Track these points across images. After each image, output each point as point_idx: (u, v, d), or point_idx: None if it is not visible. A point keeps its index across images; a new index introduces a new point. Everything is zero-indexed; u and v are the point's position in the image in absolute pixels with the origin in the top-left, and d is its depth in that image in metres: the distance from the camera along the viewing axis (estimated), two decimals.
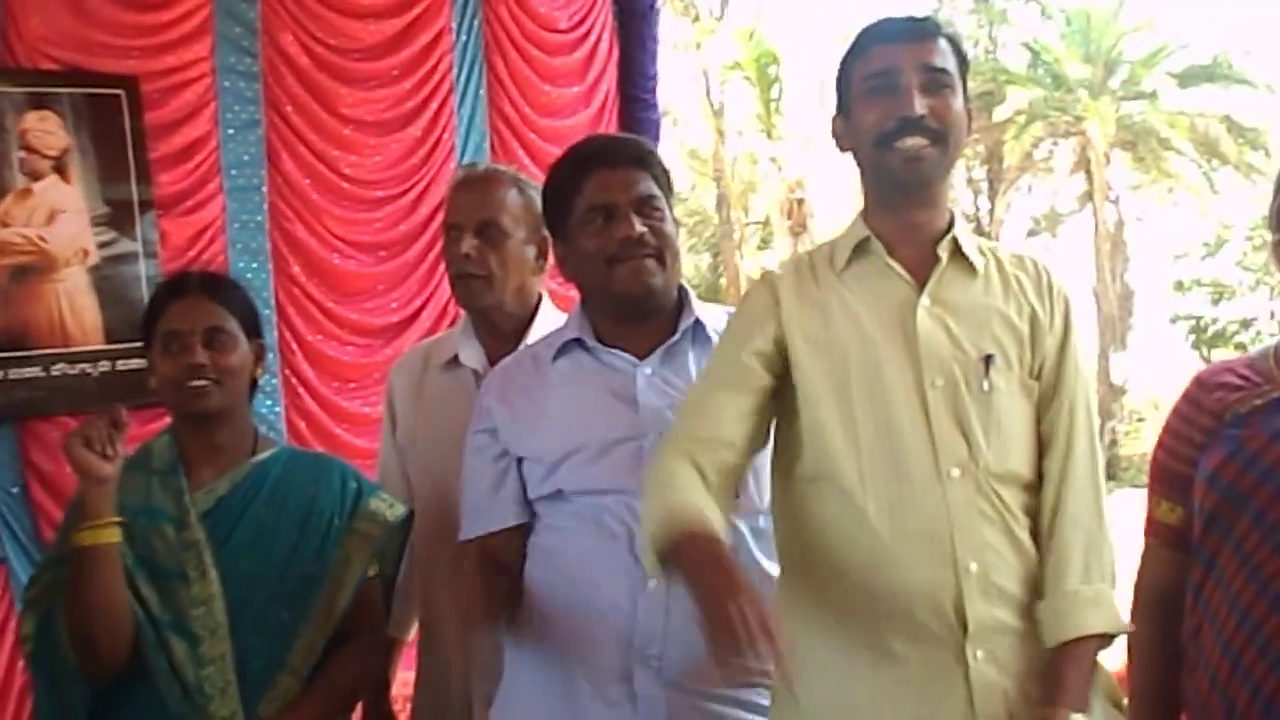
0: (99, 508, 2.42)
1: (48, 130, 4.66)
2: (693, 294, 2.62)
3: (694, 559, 1.95)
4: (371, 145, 5.28)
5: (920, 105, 2.16)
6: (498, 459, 2.57)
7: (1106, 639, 2.16)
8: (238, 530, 2.60)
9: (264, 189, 5.12)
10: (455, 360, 2.99)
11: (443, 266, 5.24)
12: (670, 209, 2.56)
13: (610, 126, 5.71)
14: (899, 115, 2.16)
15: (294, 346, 5.11)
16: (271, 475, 2.66)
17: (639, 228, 2.47)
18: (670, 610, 2.37)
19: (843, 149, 2.30)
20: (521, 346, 2.85)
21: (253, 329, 2.69)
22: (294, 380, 5.11)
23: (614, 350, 2.54)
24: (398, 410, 3.10)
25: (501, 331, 2.94)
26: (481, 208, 2.91)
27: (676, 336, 2.53)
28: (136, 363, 4.64)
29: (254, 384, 2.72)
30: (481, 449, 2.60)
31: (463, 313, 3.07)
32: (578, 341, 2.57)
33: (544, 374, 2.58)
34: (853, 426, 2.16)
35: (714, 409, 2.20)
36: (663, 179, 2.56)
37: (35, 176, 4.63)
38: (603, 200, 2.50)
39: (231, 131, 5.04)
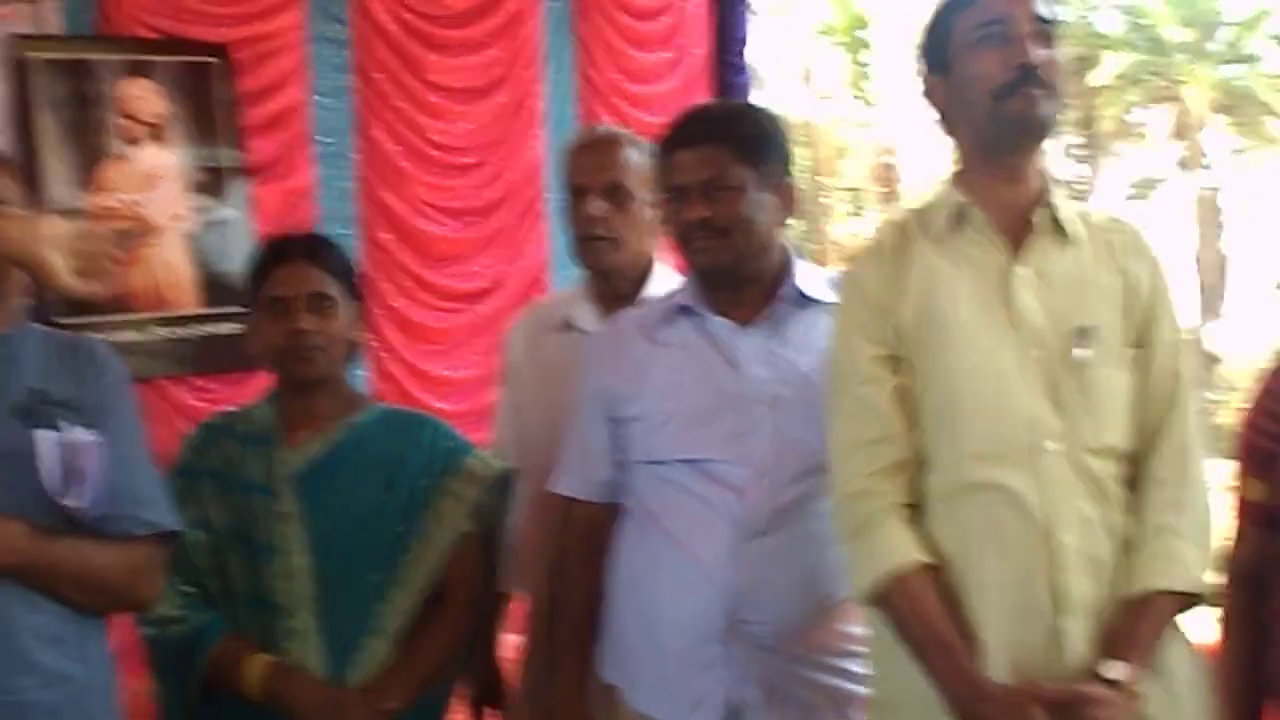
0: None
1: (145, 97, 4.77)
2: (797, 257, 2.61)
3: (903, 612, 2.10)
4: (459, 111, 5.36)
5: (1034, 55, 2.12)
6: (601, 419, 2.61)
7: (1183, 600, 2.13)
8: (328, 492, 2.61)
9: (353, 155, 5.22)
10: (568, 323, 3.01)
11: (525, 230, 5.47)
12: (763, 179, 2.52)
13: (700, 92, 5.73)
14: (1018, 64, 2.11)
15: (380, 311, 5.19)
16: (363, 435, 2.67)
17: (701, 212, 2.48)
18: (768, 575, 2.41)
19: (938, 107, 2.25)
20: (636, 307, 2.87)
21: (354, 292, 2.70)
22: (378, 344, 5.19)
23: (719, 317, 2.55)
24: (512, 371, 3.14)
25: (619, 293, 2.95)
26: (607, 169, 2.92)
27: (777, 303, 2.54)
28: (230, 327, 4.79)
29: (354, 348, 2.73)
30: (587, 408, 2.63)
31: (549, 277, 3.11)
32: (685, 307, 2.58)
33: (651, 338, 2.60)
34: (954, 401, 2.15)
35: (872, 421, 2.18)
36: (749, 150, 2.53)
37: (132, 143, 4.74)
38: (673, 182, 2.54)
39: (322, 98, 5.14)
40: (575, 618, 2.64)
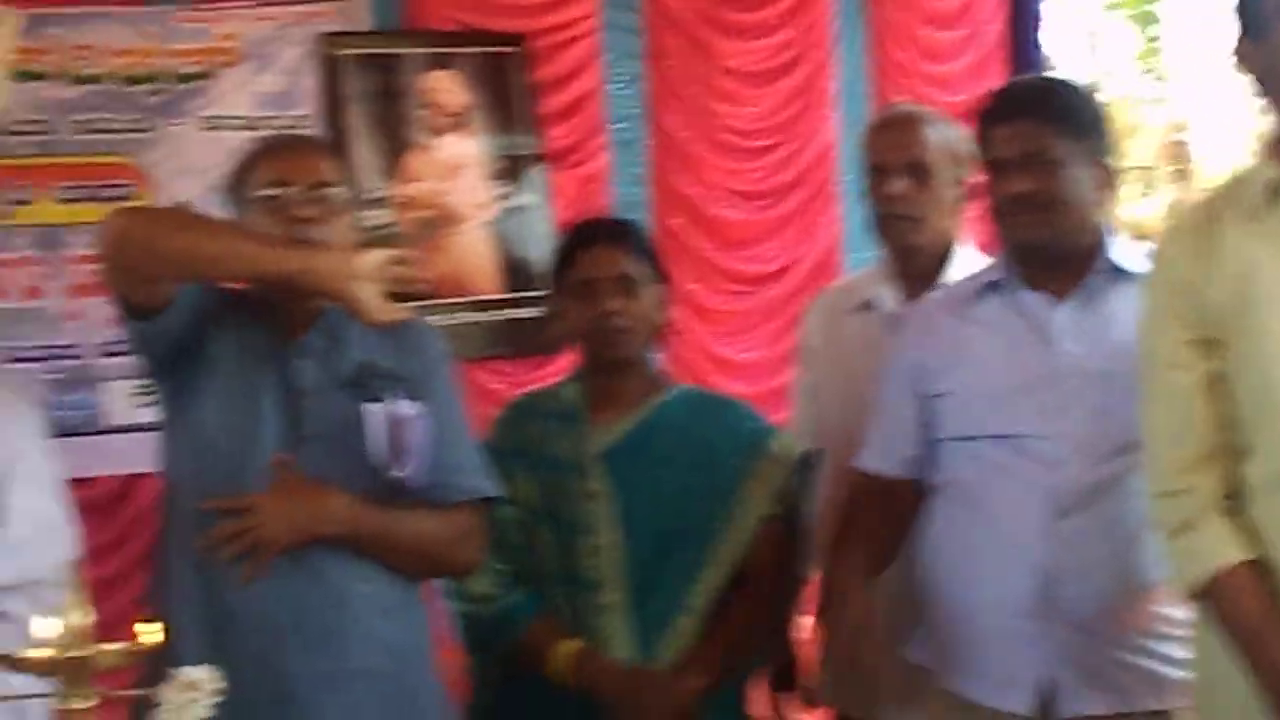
0: None
1: (448, 89, 4.89)
2: (1114, 233, 2.55)
3: (1224, 609, 2.05)
4: (751, 95, 5.35)
5: None
6: (909, 395, 2.59)
7: None
8: (636, 472, 2.64)
9: (646, 141, 5.27)
10: (867, 304, 3.00)
11: (817, 213, 5.43)
12: (1082, 155, 2.47)
13: (995, 70, 5.61)
14: None
15: (672, 295, 5.22)
16: (670, 416, 2.70)
17: (1020, 186, 2.43)
18: (1081, 553, 2.38)
19: (1253, 74, 2.13)
20: (938, 286, 2.85)
21: (657, 275, 2.73)
22: (671, 328, 5.20)
23: (1034, 292, 2.51)
24: (809, 353, 3.14)
25: (920, 273, 2.93)
26: (908, 147, 2.91)
27: (1091, 276, 2.48)
28: (530, 311, 4.90)
29: (658, 329, 2.76)
30: (896, 383, 2.62)
31: (841, 259, 3.10)
32: (996, 283, 2.55)
33: (965, 314, 2.57)
34: (1273, 386, 2.04)
35: (1183, 408, 2.12)
36: (1068, 125, 2.47)
37: (436, 133, 4.88)
38: (991, 156, 2.51)
39: (615, 85, 5.20)
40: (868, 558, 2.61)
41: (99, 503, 4.09)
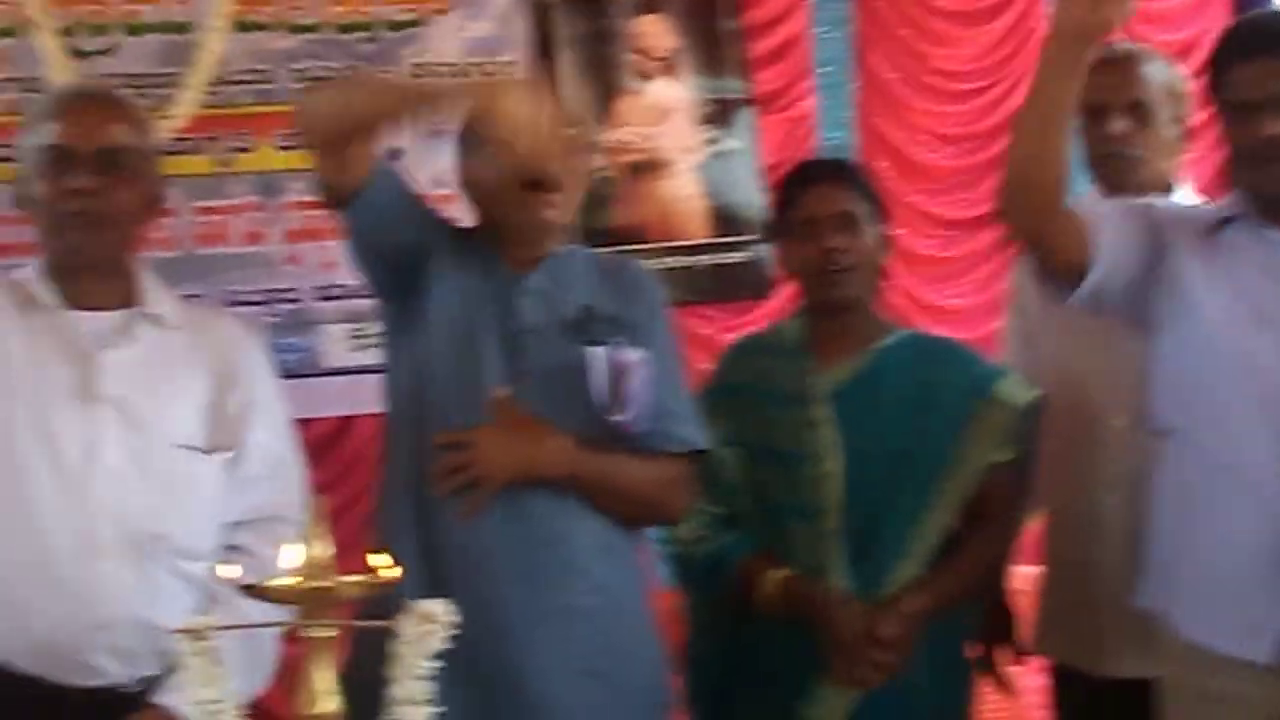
0: None
1: (656, 33, 4.90)
2: None
3: None
4: (961, 37, 5.26)
5: None
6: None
7: None
8: (862, 414, 2.62)
9: (853, 85, 5.21)
10: None
11: None
12: None
13: (1217, 8, 5.42)
14: None
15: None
16: (896, 359, 2.67)
17: (1272, 129, 2.30)
18: None
19: None
20: None
21: (881, 215, 2.70)
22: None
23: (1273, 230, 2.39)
24: (1023, 297, 3.07)
25: None
26: (1128, 87, 2.83)
27: None
28: (738, 255, 4.90)
29: (880, 271, 2.73)
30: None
31: None
32: (1232, 219, 2.43)
33: (1190, 251, 2.44)
34: None
35: None
36: None
37: (646, 77, 4.90)
38: (1233, 97, 2.37)
39: (822, 29, 5.15)
40: None
41: (315, 444, 4.17)
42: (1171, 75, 2.88)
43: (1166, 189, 2.87)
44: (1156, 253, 2.43)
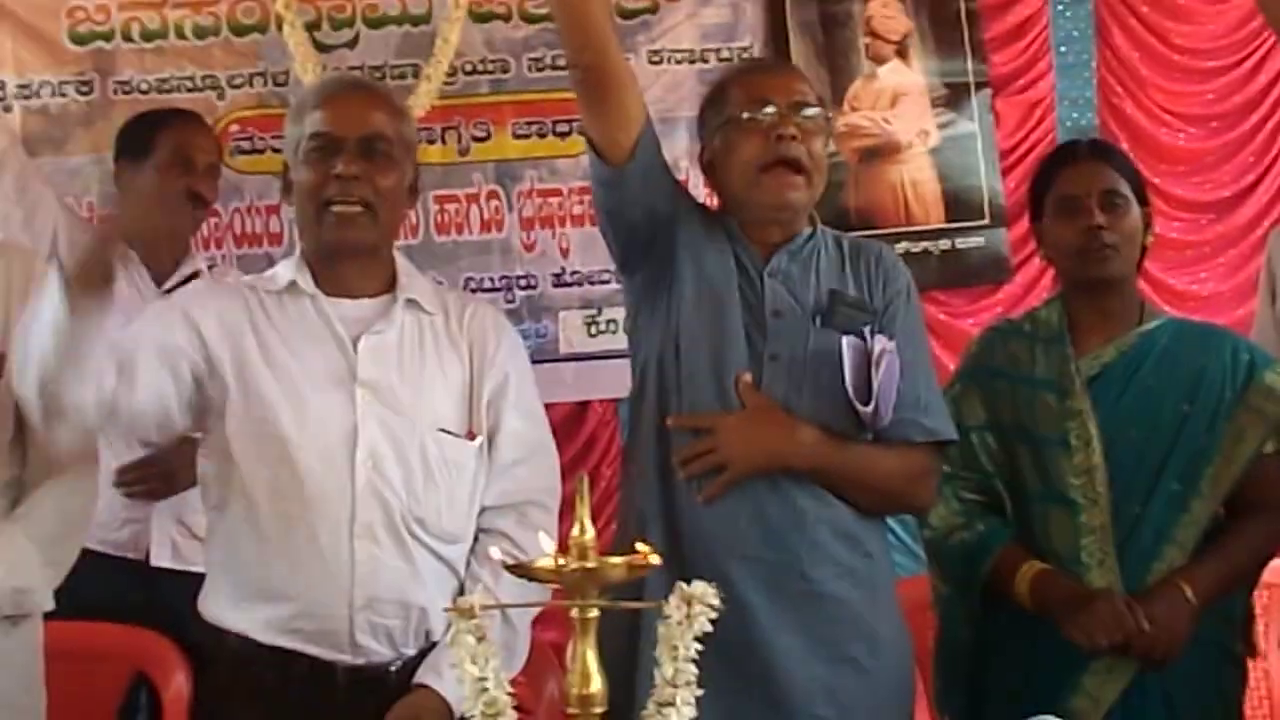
0: None
1: (890, 15, 4.87)
2: None
3: None
4: (1205, 13, 5.12)
5: None
6: None
7: None
8: (1124, 399, 2.58)
9: (1093, 64, 5.11)
10: None
11: (1273, 136, 5.16)
12: None
13: None
14: None
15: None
16: (1159, 344, 2.62)
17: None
18: None
19: None
20: None
21: (1141, 195, 2.66)
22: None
23: None
24: (1275, 283, 3.01)
25: None
26: None
27: None
28: (974, 241, 4.85)
29: (1144, 251, 2.69)
30: None
31: None
32: None
33: None
34: None
35: None
36: None
37: (879, 61, 4.87)
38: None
39: (1061, 8, 5.08)
40: None
41: (553, 428, 4.30)
42: None
43: None
44: None
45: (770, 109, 2.40)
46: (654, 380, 2.46)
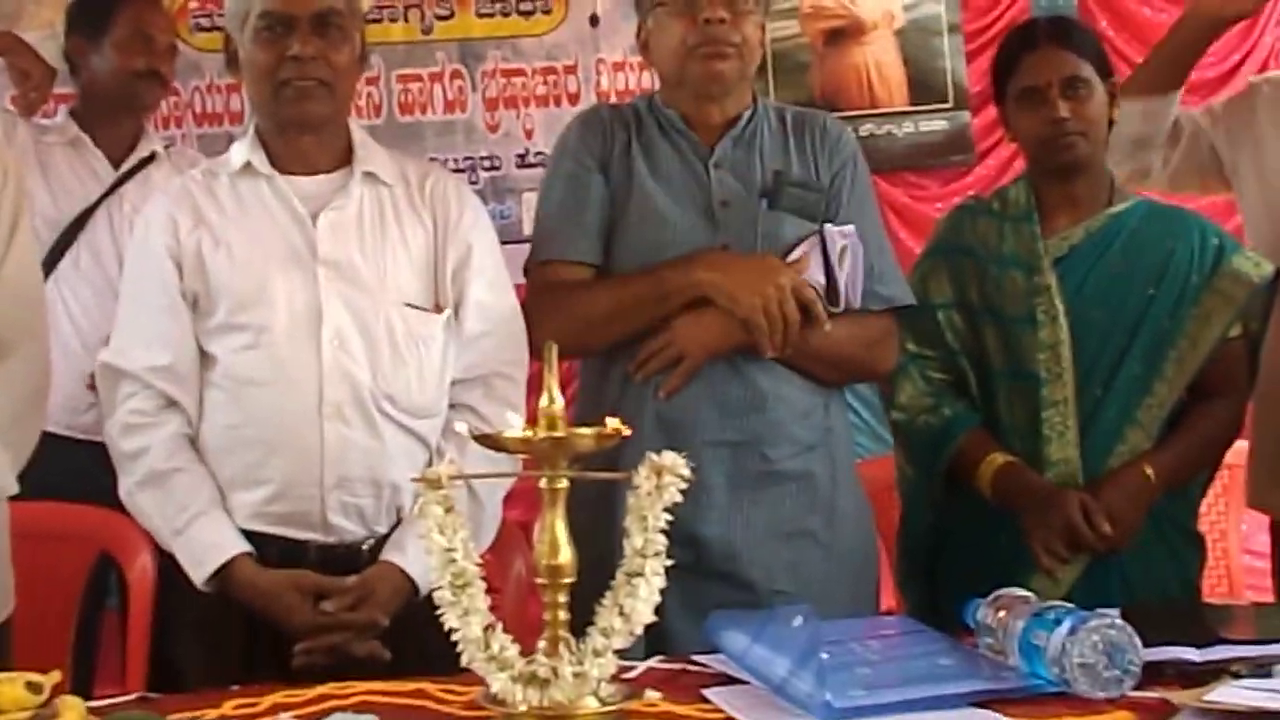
0: None
1: None
2: None
3: None
4: None
5: None
6: None
7: None
8: (1090, 279, 2.58)
9: None
10: None
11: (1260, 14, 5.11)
12: None
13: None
14: None
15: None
16: (1127, 226, 2.60)
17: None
18: None
19: None
20: None
21: (1104, 70, 2.62)
22: None
23: None
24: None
25: None
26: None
27: None
28: (940, 124, 4.87)
29: (1110, 128, 2.66)
30: None
31: None
32: None
33: None
34: None
35: None
36: None
37: None
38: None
39: None
40: None
41: None
42: None
43: None
44: None
45: None
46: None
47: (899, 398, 2.67)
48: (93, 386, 3.00)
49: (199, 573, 2.29)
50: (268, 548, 2.32)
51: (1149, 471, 2.51)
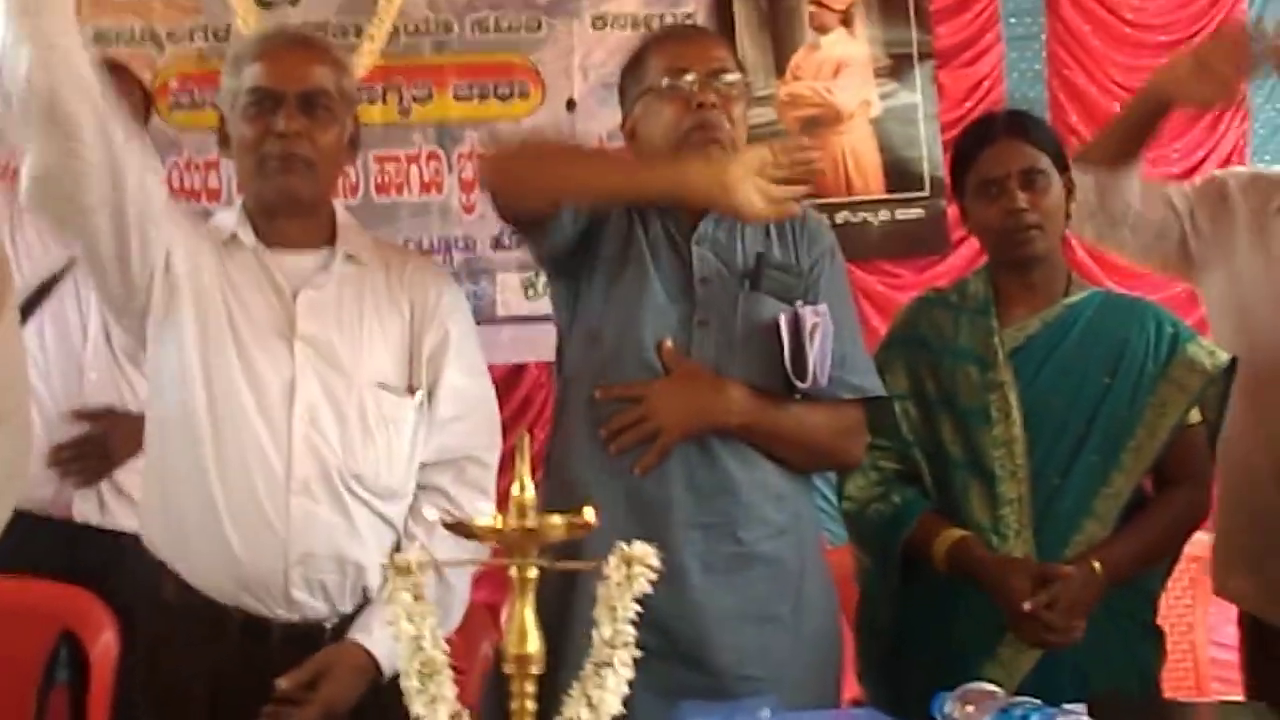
0: None
1: None
2: None
3: None
4: None
5: None
6: None
7: None
8: (1046, 369, 2.59)
9: (1043, 37, 5.16)
10: None
11: (1224, 113, 5.15)
12: None
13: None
14: None
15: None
16: (1083, 316, 2.62)
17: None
18: None
19: None
20: None
21: (1062, 163, 2.65)
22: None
23: None
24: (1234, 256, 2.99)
25: None
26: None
27: None
28: (914, 212, 4.91)
29: (1064, 223, 2.69)
30: None
31: (1248, 159, 3.00)
32: None
33: None
34: None
35: None
36: None
37: (823, 30, 4.90)
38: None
39: None
40: None
41: None
42: None
43: None
44: None
45: (689, 76, 2.42)
46: (585, 351, 2.49)
47: (848, 488, 2.68)
48: (53, 464, 3.06)
49: None
50: (229, 620, 2.33)
51: (1095, 565, 2.51)
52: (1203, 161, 5.24)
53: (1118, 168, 2.90)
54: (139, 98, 3.53)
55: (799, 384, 2.38)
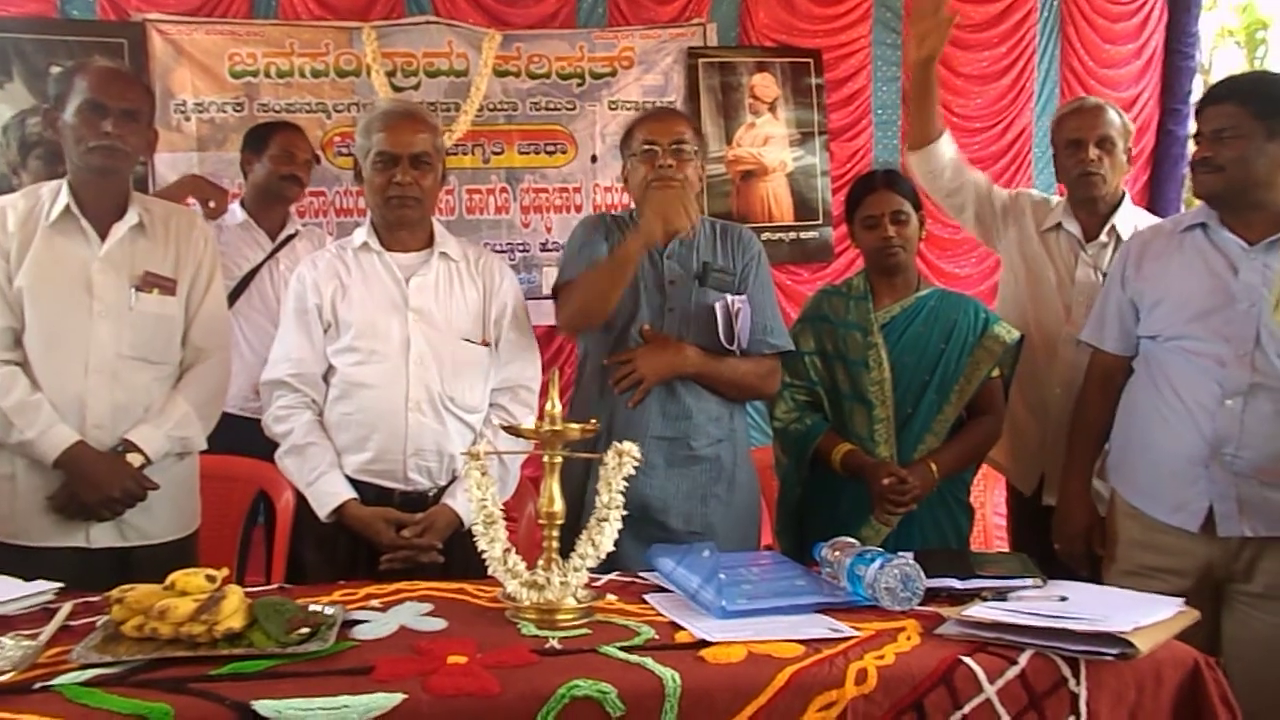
0: None
1: (766, 85, 4.85)
2: None
3: None
4: (975, 91, 5.09)
5: None
6: (1127, 302, 2.39)
7: None
8: (904, 338, 2.57)
9: (899, 124, 5.05)
10: (1059, 226, 2.82)
11: (1016, 174, 5.11)
12: (1271, 134, 2.18)
13: (1155, 76, 5.19)
14: None
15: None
16: (928, 304, 2.60)
17: (1204, 152, 2.21)
18: (1246, 425, 2.16)
19: None
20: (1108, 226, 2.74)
21: (917, 205, 2.62)
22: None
23: (1229, 233, 2.26)
24: (1008, 261, 2.93)
25: (1096, 214, 2.78)
26: (1098, 126, 2.74)
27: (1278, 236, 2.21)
28: (812, 235, 4.83)
29: (918, 245, 2.65)
30: (1116, 291, 2.42)
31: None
32: (1201, 225, 2.31)
33: (1172, 243, 2.34)
34: None
35: None
36: (1263, 109, 2.17)
37: (757, 114, 4.83)
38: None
39: (878, 84, 5.03)
40: (1090, 432, 2.47)
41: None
42: (1123, 119, 2.79)
43: (1118, 201, 2.78)
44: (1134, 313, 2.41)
45: (657, 146, 2.39)
46: (597, 332, 2.45)
47: (776, 412, 2.63)
48: (257, 390, 3.03)
49: (322, 510, 2.28)
50: (366, 492, 2.29)
51: (933, 465, 2.50)
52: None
53: (926, 145, 2.86)
54: (309, 148, 3.50)
55: (729, 346, 2.37)
